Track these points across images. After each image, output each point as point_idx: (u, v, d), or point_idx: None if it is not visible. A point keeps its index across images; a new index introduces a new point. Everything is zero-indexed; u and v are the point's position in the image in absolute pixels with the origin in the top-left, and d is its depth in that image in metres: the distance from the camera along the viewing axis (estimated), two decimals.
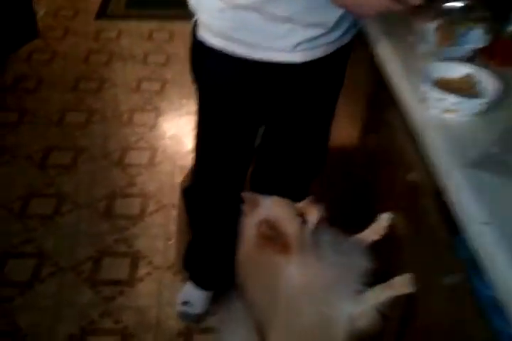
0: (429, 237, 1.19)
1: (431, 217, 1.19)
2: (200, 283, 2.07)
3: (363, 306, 1.27)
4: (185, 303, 2.05)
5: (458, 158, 1.08)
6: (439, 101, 1.15)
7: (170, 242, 2.35)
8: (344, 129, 2.06)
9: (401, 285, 1.28)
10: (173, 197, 2.56)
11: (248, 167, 1.84)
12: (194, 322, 2.03)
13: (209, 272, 2.07)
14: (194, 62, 1.60)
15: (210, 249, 2.02)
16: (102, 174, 2.71)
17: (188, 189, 1.95)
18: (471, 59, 1.29)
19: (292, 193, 1.99)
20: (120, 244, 2.34)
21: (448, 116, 1.18)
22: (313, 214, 1.26)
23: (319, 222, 1.28)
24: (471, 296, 1.03)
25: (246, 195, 1.31)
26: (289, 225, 1.23)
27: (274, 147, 1.81)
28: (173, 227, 2.41)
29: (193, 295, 2.07)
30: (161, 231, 2.41)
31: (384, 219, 1.40)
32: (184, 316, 2.04)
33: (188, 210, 1.99)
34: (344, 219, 1.92)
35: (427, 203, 1.23)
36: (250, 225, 1.27)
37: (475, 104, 1.16)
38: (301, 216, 1.26)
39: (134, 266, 2.25)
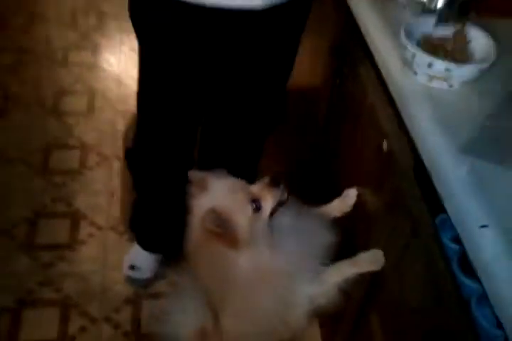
0: (405, 216, 1.05)
1: (408, 192, 1.05)
2: (147, 245, 1.92)
3: (324, 286, 1.16)
4: (132, 267, 1.90)
5: (446, 135, 0.92)
6: (425, 66, 0.98)
7: (113, 198, 2.17)
8: (306, 76, 1.89)
9: (366, 262, 1.15)
10: (116, 147, 2.36)
11: (198, 125, 1.65)
12: (142, 288, 1.89)
13: (156, 234, 1.91)
14: (134, 9, 1.36)
15: (157, 211, 1.85)
16: (35, 124, 2.45)
17: (131, 151, 1.75)
18: (462, 12, 1.11)
19: (247, 150, 1.85)
20: (58, 203, 2.14)
21: (435, 83, 1.01)
22: (269, 201, 1.10)
23: (276, 208, 1.13)
24: (451, 285, 0.91)
25: (193, 174, 1.14)
26: (239, 216, 1.07)
27: (227, 100, 1.62)
28: (116, 181, 2.22)
29: (140, 259, 1.91)
30: (103, 187, 2.21)
31: (349, 196, 1.26)
32: (131, 281, 1.90)
33: (131, 172, 1.80)
34: (305, 184, 1.79)
35: (403, 177, 1.08)
36: (197, 212, 1.11)
37: (467, 71, 0.98)
38: (256, 201, 1.10)
39: (75, 227, 2.06)
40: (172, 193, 1.79)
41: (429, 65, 0.97)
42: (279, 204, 1.12)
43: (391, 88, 1.06)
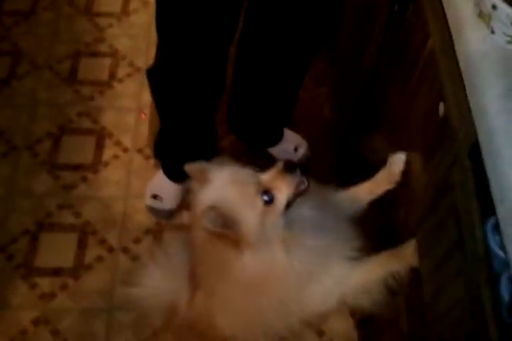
0: (450, 212, 0.83)
1: (459, 182, 0.83)
2: (172, 174, 1.77)
3: (347, 286, 0.99)
4: (154, 197, 1.78)
5: None
6: (507, 23, 0.71)
7: (142, 116, 2.01)
8: None
9: (402, 257, 0.97)
10: (150, 57, 2.09)
11: (231, 39, 1.41)
12: (164, 219, 1.78)
13: (182, 163, 1.74)
14: None
15: (182, 139, 1.68)
16: (65, 25, 2.24)
17: (153, 69, 1.54)
18: None
19: (289, 71, 1.61)
20: (83, 118, 1.99)
21: None
22: (283, 190, 0.91)
23: (293, 198, 0.93)
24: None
25: (190, 167, 0.95)
26: (246, 213, 0.89)
27: (269, 7, 1.37)
28: (147, 97, 2.02)
29: (164, 188, 1.78)
30: (132, 103, 2.04)
31: (396, 163, 1.04)
32: (153, 211, 1.78)
33: (153, 95, 1.61)
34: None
35: (456, 159, 0.85)
36: (197, 210, 0.93)
37: None
38: (268, 192, 0.91)
39: (99, 146, 1.93)
40: (199, 119, 1.62)
41: None
42: (298, 194, 0.93)
43: (456, 44, 0.80)
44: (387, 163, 1.07)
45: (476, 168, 0.78)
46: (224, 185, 0.93)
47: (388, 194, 1.08)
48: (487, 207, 0.74)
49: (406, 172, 1.05)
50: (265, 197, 0.91)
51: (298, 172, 0.93)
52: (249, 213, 0.90)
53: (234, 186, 0.93)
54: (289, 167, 0.93)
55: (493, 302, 0.74)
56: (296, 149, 1.89)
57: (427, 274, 0.87)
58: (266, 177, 0.94)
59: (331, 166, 1.87)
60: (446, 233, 0.80)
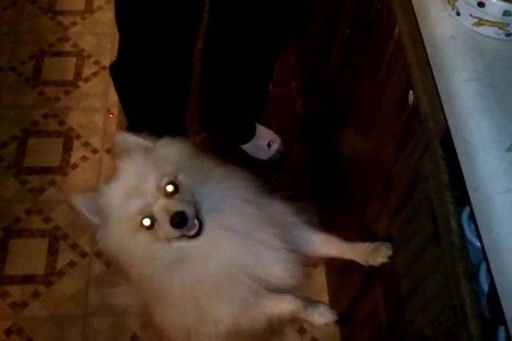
0: (425, 202, 0.81)
1: (431, 173, 0.80)
2: None
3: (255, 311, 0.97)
4: None
5: (489, 109, 0.65)
6: (473, 4, 0.68)
7: (110, 115, 1.95)
8: None
9: (313, 312, 0.97)
10: (115, 55, 2.08)
11: (195, 31, 1.37)
12: None
13: None
14: None
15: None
16: (28, 24, 2.18)
17: (115, 66, 1.49)
18: None
19: (258, 65, 1.57)
20: (49, 120, 1.93)
21: (485, 30, 0.71)
22: (163, 229, 0.85)
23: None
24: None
25: (120, 138, 0.89)
26: (118, 221, 0.86)
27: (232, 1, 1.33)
28: (113, 96, 1.97)
29: None
30: (99, 103, 1.99)
31: (382, 254, 0.97)
32: None
33: (118, 92, 1.56)
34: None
35: (427, 147, 0.82)
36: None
37: None
38: (150, 218, 0.85)
39: (67, 148, 1.87)
40: (166, 117, 1.58)
41: (480, 4, 0.67)
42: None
43: (422, 28, 0.77)
44: (373, 245, 0.97)
45: (450, 157, 0.75)
46: (122, 185, 0.86)
47: (361, 191, 1.05)
48: (464, 196, 0.72)
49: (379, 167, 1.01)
50: (144, 221, 0.84)
51: (188, 225, 0.84)
52: (122, 224, 0.85)
53: (128, 192, 0.85)
54: (177, 222, 0.83)
55: (472, 295, 0.71)
56: (269, 145, 1.85)
57: (403, 268, 0.85)
58: (161, 203, 0.83)
59: (305, 161, 1.84)
60: (421, 225, 0.77)
